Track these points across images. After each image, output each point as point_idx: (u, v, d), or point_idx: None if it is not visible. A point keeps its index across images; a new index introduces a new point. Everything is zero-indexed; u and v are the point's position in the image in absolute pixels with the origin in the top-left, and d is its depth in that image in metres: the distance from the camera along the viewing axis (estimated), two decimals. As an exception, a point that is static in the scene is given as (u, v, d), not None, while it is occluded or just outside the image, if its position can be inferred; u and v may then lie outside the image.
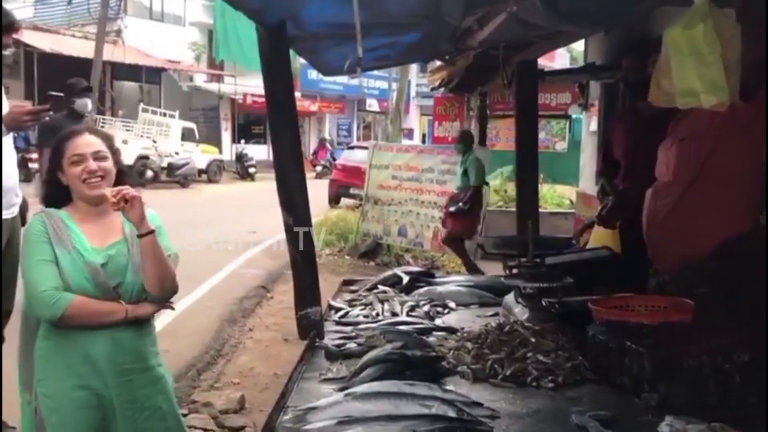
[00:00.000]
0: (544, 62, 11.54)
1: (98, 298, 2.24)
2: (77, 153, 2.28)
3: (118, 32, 24.66)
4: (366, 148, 14.05)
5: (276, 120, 2.73)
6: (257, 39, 2.66)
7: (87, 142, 2.31)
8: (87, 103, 5.85)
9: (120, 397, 2.28)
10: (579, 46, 9.31)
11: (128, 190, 2.24)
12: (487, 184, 8.81)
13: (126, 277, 2.29)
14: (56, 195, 2.35)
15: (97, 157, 2.29)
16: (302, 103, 30.37)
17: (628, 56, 3.88)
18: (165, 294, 2.35)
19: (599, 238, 3.64)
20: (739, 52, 2.45)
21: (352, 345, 2.50)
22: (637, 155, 3.59)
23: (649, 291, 2.91)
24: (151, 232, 2.27)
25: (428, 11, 2.64)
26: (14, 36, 3.70)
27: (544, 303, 2.81)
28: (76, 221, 2.31)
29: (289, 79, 2.72)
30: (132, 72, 24.58)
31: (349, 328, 2.85)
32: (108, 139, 2.40)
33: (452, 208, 8.59)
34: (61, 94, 3.58)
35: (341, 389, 2.09)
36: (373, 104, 35.97)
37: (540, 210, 6.56)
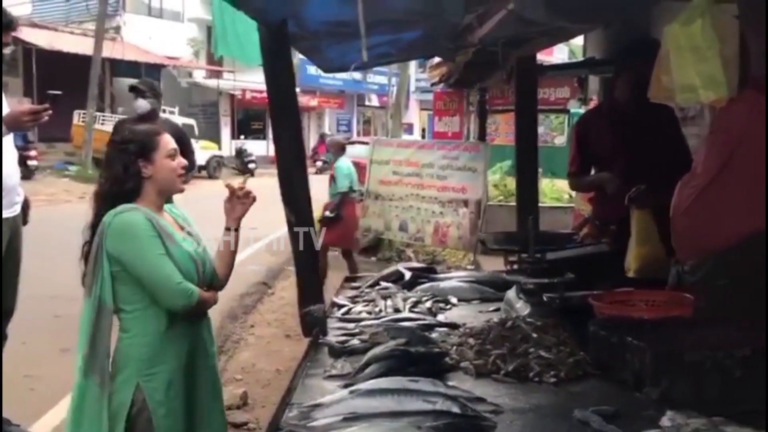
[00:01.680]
0: (543, 57, 11.52)
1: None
2: (174, 147, 2.44)
3: (117, 29, 24.66)
4: (366, 143, 14.06)
5: (278, 118, 2.74)
6: (258, 38, 2.66)
7: (172, 139, 2.48)
8: (140, 104, 5.55)
9: (207, 376, 2.51)
10: (578, 40, 9.30)
11: (251, 190, 2.54)
12: (353, 190, 8.89)
13: (206, 267, 2.49)
14: (130, 189, 2.39)
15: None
16: (301, 99, 30.27)
17: (617, 78, 3.87)
18: (226, 282, 2.59)
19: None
20: (737, 47, 2.46)
21: (355, 342, 2.52)
22: (632, 148, 3.64)
23: (669, 281, 2.88)
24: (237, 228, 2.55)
25: (429, 9, 2.65)
26: (12, 34, 3.71)
27: (545, 298, 2.83)
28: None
29: (291, 77, 2.73)
30: (131, 69, 24.51)
31: (352, 325, 2.86)
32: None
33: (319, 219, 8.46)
34: (60, 93, 3.58)
35: (345, 386, 2.11)
36: (372, 99, 35.94)
37: (539, 204, 6.57)
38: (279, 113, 2.74)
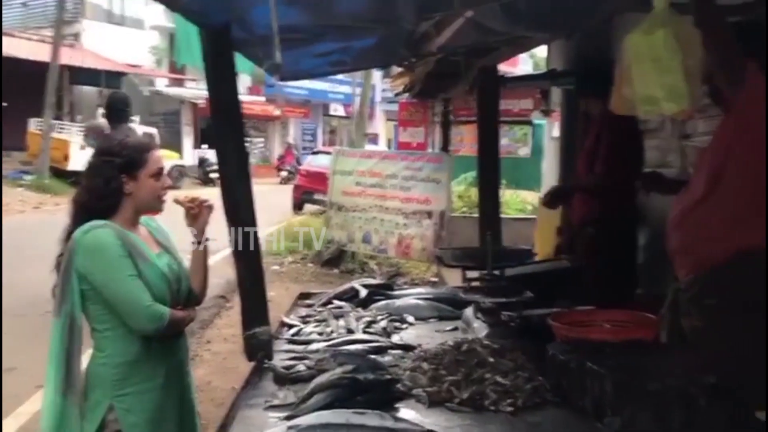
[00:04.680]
0: (507, 68, 11.54)
1: (171, 307, 2.34)
2: (161, 167, 2.43)
3: (76, 36, 24.16)
4: (330, 153, 13.95)
5: (220, 128, 2.59)
6: (200, 42, 2.51)
7: (161, 158, 2.47)
8: None
9: (184, 395, 2.45)
10: (541, 51, 9.33)
11: (206, 199, 2.49)
12: None
13: (182, 283, 2.42)
14: (108, 205, 2.32)
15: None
16: (266, 108, 30.10)
17: (586, 96, 4.08)
18: (204, 297, 2.54)
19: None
20: (700, 59, 2.38)
21: (301, 367, 2.36)
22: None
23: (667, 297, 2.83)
24: (208, 240, 2.50)
25: (380, 15, 2.52)
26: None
27: (503, 317, 2.71)
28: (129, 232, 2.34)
29: (234, 85, 2.58)
30: (91, 76, 24.04)
31: (301, 347, 2.72)
32: None
33: None
34: (4, 104, 3.41)
35: (287, 418, 1.96)
36: (338, 109, 35.81)
37: (503, 216, 6.49)
38: (222, 122, 2.59)
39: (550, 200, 4.10)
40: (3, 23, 24.95)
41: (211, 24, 2.44)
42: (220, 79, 2.53)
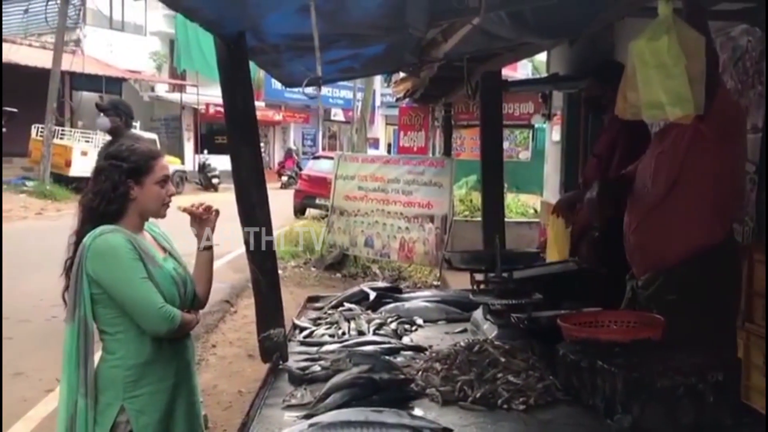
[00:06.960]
0: (507, 72, 11.58)
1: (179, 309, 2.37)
2: (166, 174, 2.42)
3: (77, 42, 24.19)
4: (331, 158, 13.98)
5: (236, 135, 2.64)
6: (215, 51, 2.57)
7: (168, 166, 2.47)
8: (99, 122, 5.55)
9: (189, 396, 2.47)
10: (541, 56, 9.38)
11: (211, 205, 2.52)
12: None
13: (188, 287, 2.46)
14: (116, 209, 2.35)
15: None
16: (266, 113, 30.11)
17: (591, 78, 3.98)
18: (207, 300, 2.57)
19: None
20: (704, 64, 2.44)
21: (316, 368, 2.41)
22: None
23: (625, 295, 2.95)
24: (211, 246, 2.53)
25: (392, 23, 2.58)
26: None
27: (513, 319, 2.76)
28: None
29: (249, 93, 2.63)
30: (92, 82, 24.06)
31: (314, 349, 2.77)
32: None
33: None
34: (15, 110, 3.45)
35: (306, 416, 2.01)
36: (338, 114, 35.86)
37: (505, 219, 6.55)
38: (237, 129, 2.64)
39: (561, 210, 3.98)
40: (4, 30, 25.07)
41: (226, 33, 2.49)
42: (236, 88, 2.58)
